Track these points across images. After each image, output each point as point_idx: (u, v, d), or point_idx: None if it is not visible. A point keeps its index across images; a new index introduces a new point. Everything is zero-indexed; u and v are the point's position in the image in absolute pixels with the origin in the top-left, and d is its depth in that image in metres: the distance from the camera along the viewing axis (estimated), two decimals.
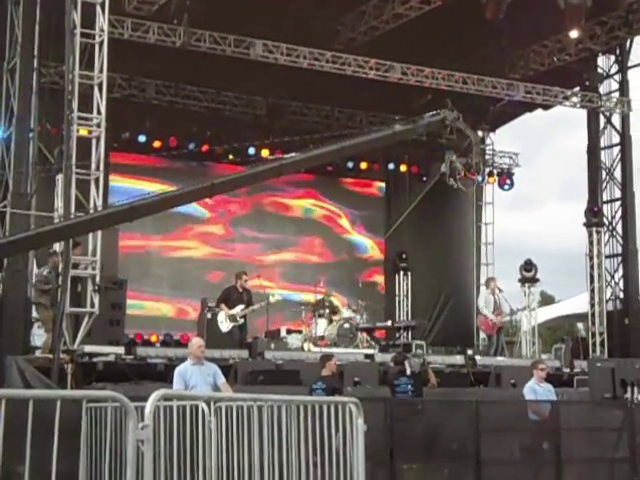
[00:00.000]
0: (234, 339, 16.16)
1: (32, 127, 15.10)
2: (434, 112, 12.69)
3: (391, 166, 25.04)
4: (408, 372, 12.58)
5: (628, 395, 13.56)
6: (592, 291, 22.21)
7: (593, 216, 22.36)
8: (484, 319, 18.49)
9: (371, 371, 15.19)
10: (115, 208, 11.26)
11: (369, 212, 25.95)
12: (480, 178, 24.91)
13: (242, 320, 16.31)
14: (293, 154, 12.18)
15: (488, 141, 27.03)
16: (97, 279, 14.01)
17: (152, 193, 12.01)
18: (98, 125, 14.22)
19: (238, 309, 16.21)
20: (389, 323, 22.03)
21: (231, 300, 16.36)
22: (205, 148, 21.98)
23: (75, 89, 13.96)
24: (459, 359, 17.10)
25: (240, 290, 16.45)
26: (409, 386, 12.48)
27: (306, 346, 18.00)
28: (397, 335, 21.25)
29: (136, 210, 10.50)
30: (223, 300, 16.54)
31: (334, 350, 16.76)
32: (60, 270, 13.52)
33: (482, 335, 20.98)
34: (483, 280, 25.65)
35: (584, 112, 22.92)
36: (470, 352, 17.57)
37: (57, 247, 14.10)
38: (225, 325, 16.21)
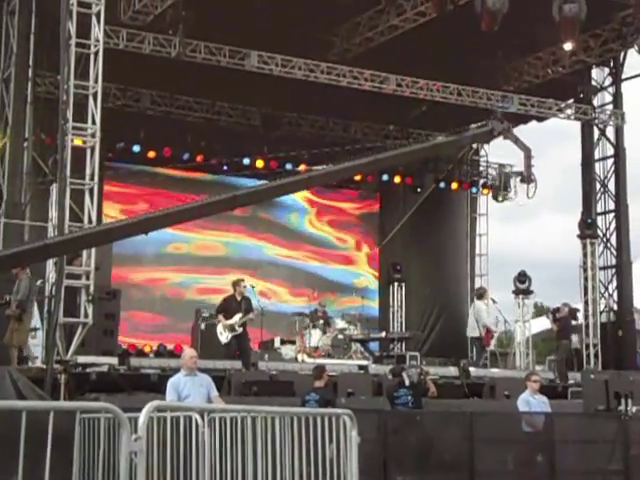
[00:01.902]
0: (231, 349, 15.92)
1: (27, 137, 15.12)
2: (481, 123, 12.43)
3: (385, 177, 25.06)
4: (407, 383, 12.55)
5: (622, 407, 13.55)
6: (586, 303, 22.23)
7: (587, 228, 22.40)
8: (486, 331, 18.46)
9: (365, 382, 15.16)
10: (131, 220, 10.88)
11: (363, 223, 25.96)
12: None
13: (241, 329, 15.92)
14: (324, 166, 11.91)
15: (482, 153, 27.06)
16: (91, 289, 13.98)
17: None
18: (93, 135, 14.21)
19: (236, 318, 15.90)
20: (383, 334, 22.03)
21: (230, 310, 15.99)
22: (200, 158, 22.01)
23: (70, 99, 13.95)
24: (453, 370, 17.10)
25: (238, 299, 16.09)
26: (409, 397, 12.44)
27: (300, 357, 17.98)
28: (391, 346, 21.24)
29: (151, 222, 10.20)
30: (222, 310, 16.18)
31: (328, 361, 16.74)
32: (54, 280, 13.49)
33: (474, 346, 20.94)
34: None
35: (578, 124, 22.99)
36: (464, 363, 17.55)
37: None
38: (224, 336, 15.85)
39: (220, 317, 16.08)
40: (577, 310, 21.03)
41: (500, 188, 11.54)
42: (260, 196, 11.65)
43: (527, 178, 12.32)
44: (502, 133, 12.17)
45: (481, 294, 19.48)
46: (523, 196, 12.31)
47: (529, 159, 12.20)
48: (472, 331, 18.70)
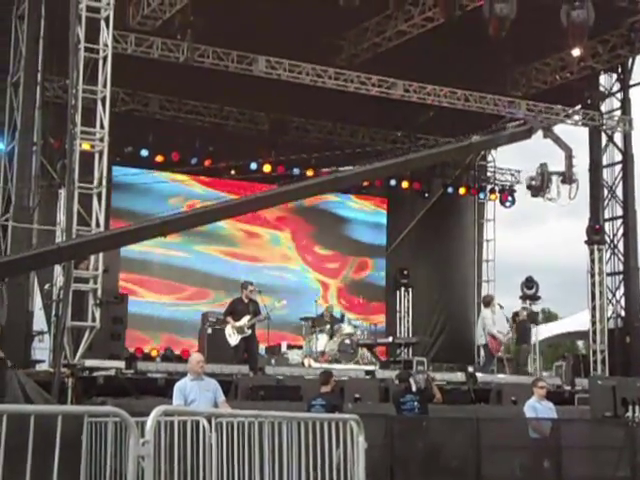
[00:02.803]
0: (239, 352, 15.91)
1: (35, 141, 15.15)
2: (520, 122, 12.18)
3: (392, 182, 25.03)
4: (414, 389, 12.53)
5: (629, 414, 13.52)
6: (593, 309, 22.19)
7: (595, 234, 22.36)
8: (491, 339, 18.46)
9: (372, 387, 15.15)
10: (147, 223, 10.70)
11: (370, 229, 25.95)
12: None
13: (249, 331, 15.91)
14: (352, 167, 11.70)
15: (490, 158, 27.07)
16: (98, 293, 14.00)
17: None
18: (101, 139, 14.23)
19: (245, 320, 15.87)
20: (390, 339, 22.00)
21: (237, 312, 16.00)
22: (207, 163, 22.03)
23: (79, 103, 13.98)
24: (460, 376, 17.08)
25: (246, 301, 16.07)
26: (415, 403, 12.44)
27: (306, 362, 17.96)
28: (398, 352, 21.22)
29: (169, 224, 10.06)
30: (229, 313, 16.18)
31: (334, 366, 16.73)
32: (62, 284, 13.52)
33: (482, 353, 20.94)
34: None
35: (586, 130, 22.96)
36: (471, 369, 17.53)
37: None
38: (233, 338, 15.82)
39: (229, 319, 16.07)
40: (537, 314, 21.05)
41: (541, 188, 11.42)
42: (282, 198, 11.45)
43: (569, 178, 12.11)
44: (544, 133, 11.87)
45: (488, 302, 19.49)
46: (563, 196, 12.06)
47: (570, 159, 11.97)
48: (480, 339, 18.72)
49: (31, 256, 9.75)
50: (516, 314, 19.83)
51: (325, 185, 11.45)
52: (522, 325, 19.57)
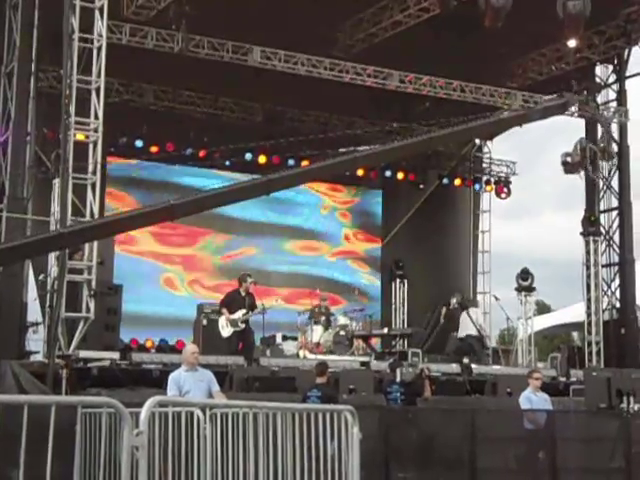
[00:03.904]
0: (233, 345, 15.86)
1: (29, 131, 15.09)
2: (555, 95, 11.63)
3: (388, 173, 25.04)
4: (397, 380, 12.59)
5: (624, 405, 13.54)
6: (588, 300, 22.19)
7: (590, 225, 22.35)
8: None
9: (366, 379, 15.13)
10: (155, 206, 10.07)
11: (366, 219, 25.95)
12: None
13: (243, 325, 15.83)
14: (371, 146, 11.14)
15: (485, 150, 27.06)
16: (93, 284, 13.97)
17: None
18: (95, 130, 14.20)
19: (239, 314, 15.84)
20: (385, 331, 22.00)
21: (233, 304, 15.92)
22: (202, 154, 21.99)
23: (73, 94, 13.95)
24: (455, 367, 17.08)
25: (243, 294, 16.00)
26: (398, 394, 12.49)
27: (302, 353, 17.95)
28: (393, 343, 21.22)
29: (175, 209, 9.68)
30: (225, 304, 16.10)
31: (330, 357, 16.72)
32: (56, 275, 13.49)
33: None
34: (481, 288, 25.73)
35: (582, 121, 22.93)
36: (466, 360, 17.53)
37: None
38: (226, 330, 15.77)
39: (224, 310, 15.99)
40: (468, 300, 20.94)
41: (581, 164, 11.24)
42: (292, 181, 11.14)
43: (608, 154, 11.93)
44: (582, 107, 11.43)
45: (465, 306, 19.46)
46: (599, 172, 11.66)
47: (609, 134, 11.71)
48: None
49: (32, 242, 9.61)
50: (447, 303, 19.86)
51: (346, 164, 10.97)
52: (452, 313, 19.54)
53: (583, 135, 22.61)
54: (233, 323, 15.73)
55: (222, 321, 15.90)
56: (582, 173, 21.50)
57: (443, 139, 11.89)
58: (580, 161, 11.65)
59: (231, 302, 15.99)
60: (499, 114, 11.25)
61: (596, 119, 11.46)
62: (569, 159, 11.72)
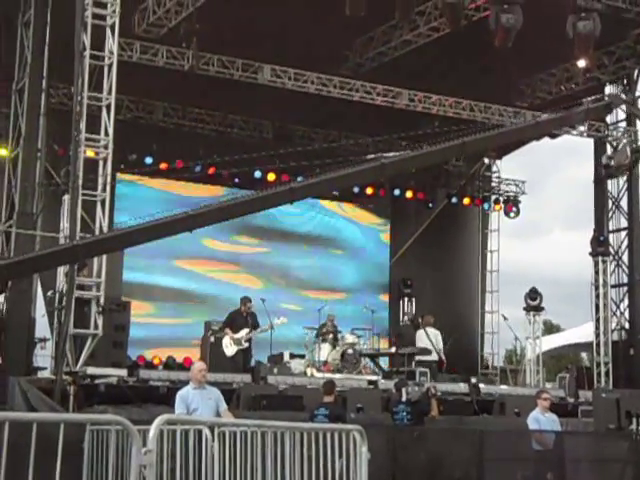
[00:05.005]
0: (238, 363, 16.08)
1: (39, 147, 15.13)
2: (597, 96, 11.26)
3: (397, 192, 25.02)
4: (404, 399, 12.53)
5: (633, 426, 13.46)
6: (597, 321, 22.12)
7: (599, 245, 22.30)
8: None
9: (374, 397, 15.10)
10: (165, 219, 9.92)
11: (374, 238, 25.91)
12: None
13: (247, 344, 16.28)
14: (396, 153, 10.88)
15: (494, 169, 27.04)
16: (101, 300, 13.97)
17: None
18: (105, 147, 14.23)
19: (243, 333, 16.19)
20: (393, 350, 21.90)
21: (236, 324, 16.33)
22: (211, 171, 22.00)
23: (83, 110, 13.99)
24: (463, 387, 17.01)
25: (244, 315, 16.44)
26: (404, 413, 12.43)
27: (309, 371, 17.89)
28: (401, 362, 21.12)
29: (196, 218, 9.52)
30: (228, 324, 16.51)
31: (337, 376, 16.67)
32: (64, 291, 13.48)
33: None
34: (489, 308, 25.63)
35: (591, 141, 22.92)
36: (474, 380, 17.45)
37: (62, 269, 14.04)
38: (230, 349, 16.18)
39: (227, 330, 16.39)
40: (417, 318, 20.90)
41: (628, 166, 11.13)
42: (318, 188, 11.09)
43: None
44: (628, 108, 11.23)
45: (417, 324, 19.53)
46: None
47: None
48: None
49: (46, 255, 9.55)
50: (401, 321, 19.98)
51: (368, 173, 10.76)
52: (400, 330, 19.58)
53: (592, 156, 22.67)
54: (237, 342, 16.10)
55: (226, 340, 16.31)
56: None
57: (476, 144, 11.47)
58: (625, 163, 11.35)
59: (233, 322, 16.35)
60: (536, 118, 10.81)
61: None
62: (613, 162, 11.50)
